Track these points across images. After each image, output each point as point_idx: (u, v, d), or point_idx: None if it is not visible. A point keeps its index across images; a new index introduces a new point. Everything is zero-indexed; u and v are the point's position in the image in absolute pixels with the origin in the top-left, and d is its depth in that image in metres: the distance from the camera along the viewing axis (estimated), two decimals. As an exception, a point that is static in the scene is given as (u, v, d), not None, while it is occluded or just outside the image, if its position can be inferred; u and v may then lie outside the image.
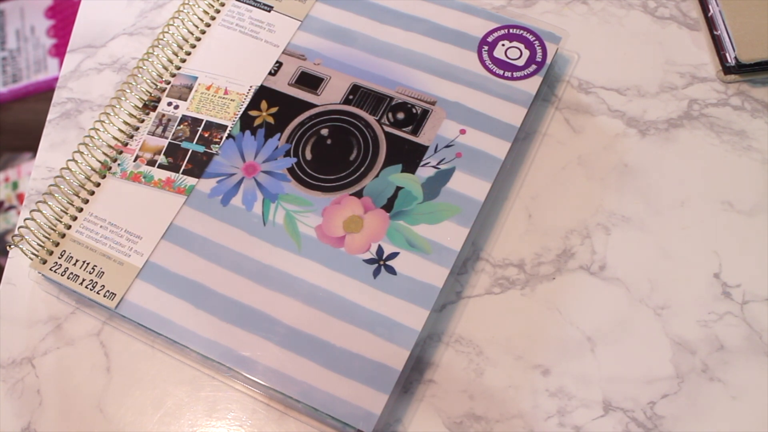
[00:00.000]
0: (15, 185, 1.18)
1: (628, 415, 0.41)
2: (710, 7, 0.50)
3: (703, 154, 0.47)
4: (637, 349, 0.42)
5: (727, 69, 0.49)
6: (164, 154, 0.48)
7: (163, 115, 0.50)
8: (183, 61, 0.51)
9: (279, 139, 0.48)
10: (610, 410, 0.41)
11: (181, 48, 0.52)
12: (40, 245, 0.46)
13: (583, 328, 0.43)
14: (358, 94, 0.48)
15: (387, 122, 0.47)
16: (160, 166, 0.48)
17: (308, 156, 0.47)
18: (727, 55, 0.48)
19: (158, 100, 0.50)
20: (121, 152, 0.49)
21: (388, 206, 0.45)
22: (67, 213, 0.47)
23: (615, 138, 0.48)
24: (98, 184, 0.48)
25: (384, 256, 0.43)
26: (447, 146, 0.46)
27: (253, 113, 0.49)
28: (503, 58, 0.49)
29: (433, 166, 0.46)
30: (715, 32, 0.50)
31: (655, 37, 0.51)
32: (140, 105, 0.50)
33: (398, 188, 0.45)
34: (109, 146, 0.49)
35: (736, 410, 0.41)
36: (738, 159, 0.47)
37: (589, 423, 0.41)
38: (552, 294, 0.44)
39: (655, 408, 0.41)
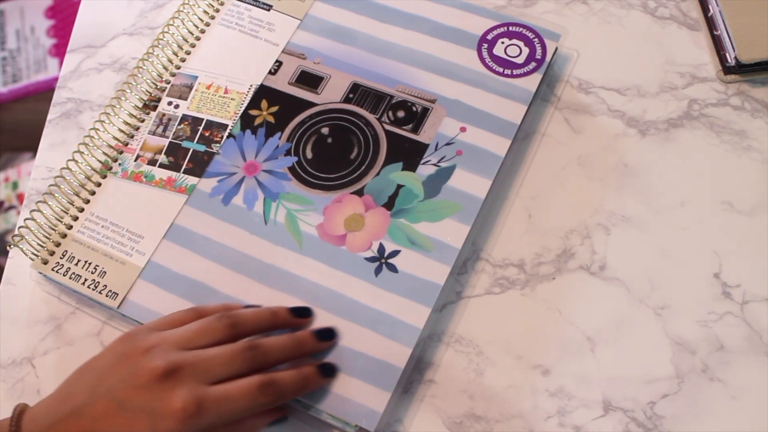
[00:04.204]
0: (15, 185, 1.18)
1: (628, 415, 0.41)
2: (710, 7, 0.50)
3: (703, 154, 0.47)
4: (637, 349, 0.42)
5: (727, 69, 0.49)
6: (165, 153, 0.48)
7: (164, 115, 0.50)
8: (183, 60, 0.51)
9: (279, 138, 0.48)
10: (610, 410, 0.41)
11: (181, 47, 0.52)
12: (41, 245, 0.46)
13: (583, 328, 0.43)
14: (358, 93, 0.49)
15: (387, 120, 0.47)
16: (161, 166, 0.48)
17: (309, 155, 0.47)
18: (727, 55, 0.48)
19: (158, 99, 0.50)
20: (121, 152, 0.49)
21: (389, 204, 0.45)
22: (67, 213, 0.47)
23: (615, 138, 0.48)
24: (99, 184, 0.48)
25: (385, 254, 0.43)
26: (447, 144, 0.46)
27: (253, 112, 0.49)
28: (503, 55, 0.49)
29: (434, 164, 0.46)
30: (715, 32, 0.50)
31: (655, 37, 0.51)
32: (140, 105, 0.50)
33: (399, 186, 0.45)
34: (110, 146, 0.49)
35: (736, 410, 0.41)
36: (738, 159, 0.47)
37: (589, 423, 0.41)
38: (552, 294, 0.44)
39: (655, 408, 0.41)
